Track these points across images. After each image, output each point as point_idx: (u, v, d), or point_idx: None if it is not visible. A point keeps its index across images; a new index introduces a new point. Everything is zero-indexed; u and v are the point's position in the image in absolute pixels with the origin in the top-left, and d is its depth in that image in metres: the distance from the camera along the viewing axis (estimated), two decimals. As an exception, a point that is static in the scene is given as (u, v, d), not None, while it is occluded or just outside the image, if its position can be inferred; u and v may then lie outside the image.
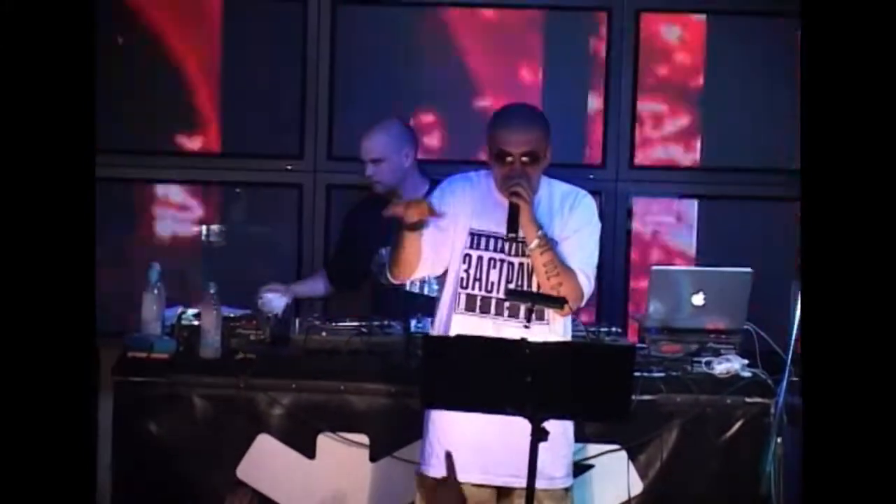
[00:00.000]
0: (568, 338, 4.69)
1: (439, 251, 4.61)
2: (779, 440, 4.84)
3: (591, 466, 5.02)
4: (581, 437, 4.88)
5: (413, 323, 5.21)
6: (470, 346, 4.19)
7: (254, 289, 5.59)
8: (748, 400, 5.06)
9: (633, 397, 4.74)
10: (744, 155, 6.50)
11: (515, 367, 4.07)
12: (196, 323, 5.20)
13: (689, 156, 6.53)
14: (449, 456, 4.21)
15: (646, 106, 6.49)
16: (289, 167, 6.50)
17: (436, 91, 6.47)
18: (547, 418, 4.07)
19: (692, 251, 6.52)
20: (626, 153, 6.50)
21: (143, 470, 5.03)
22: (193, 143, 6.47)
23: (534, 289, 4.58)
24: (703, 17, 6.49)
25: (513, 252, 4.61)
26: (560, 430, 4.54)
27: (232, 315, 5.29)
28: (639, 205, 6.53)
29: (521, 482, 4.20)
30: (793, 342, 4.73)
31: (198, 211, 6.52)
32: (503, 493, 4.62)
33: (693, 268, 5.70)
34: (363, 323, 5.29)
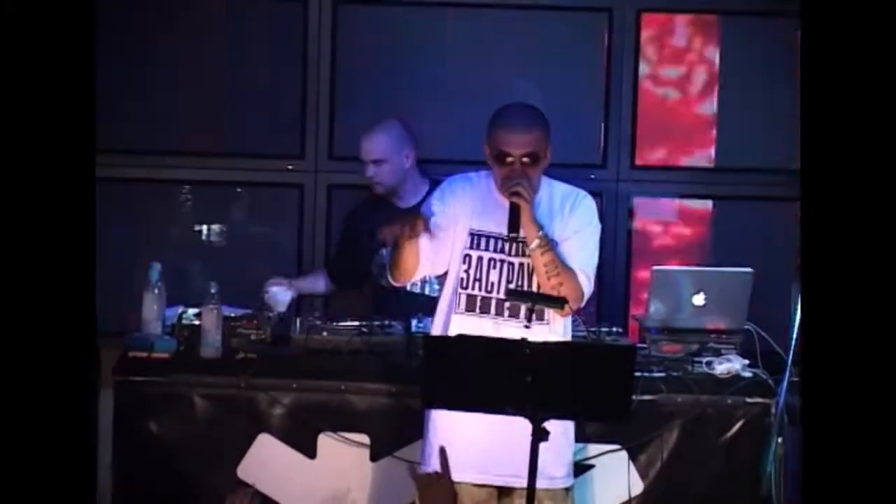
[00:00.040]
0: (568, 338, 4.69)
1: (439, 252, 4.61)
2: (779, 440, 4.84)
3: (591, 466, 5.02)
4: (581, 436, 4.88)
5: (414, 323, 5.21)
6: (470, 345, 4.19)
7: (254, 289, 5.58)
8: (749, 400, 5.06)
9: (634, 397, 4.74)
10: (744, 155, 6.50)
11: (516, 367, 4.07)
12: (197, 322, 5.20)
13: (691, 156, 6.54)
14: (443, 451, 4.21)
15: (647, 104, 6.49)
16: (290, 167, 6.50)
17: (436, 91, 6.47)
18: (547, 418, 4.07)
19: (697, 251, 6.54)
20: (627, 153, 6.50)
21: (143, 469, 5.03)
22: (194, 143, 6.47)
23: (534, 289, 4.58)
24: (703, 16, 6.49)
25: (513, 252, 4.61)
26: (560, 430, 4.54)
27: (233, 315, 5.29)
28: (639, 204, 6.54)
29: (522, 482, 4.21)
30: (794, 342, 4.73)
31: (199, 211, 6.52)
32: (504, 493, 4.63)
33: (694, 268, 5.69)
34: (364, 323, 5.29)
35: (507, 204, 4.53)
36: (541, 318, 4.58)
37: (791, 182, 5.14)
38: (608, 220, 6.29)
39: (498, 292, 4.60)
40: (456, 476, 4.58)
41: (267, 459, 5.04)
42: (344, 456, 5.03)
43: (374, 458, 5.03)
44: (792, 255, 5.71)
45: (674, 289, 5.21)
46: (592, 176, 6.38)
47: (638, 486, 5.05)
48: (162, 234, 6.49)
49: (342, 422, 5.04)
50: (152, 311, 5.20)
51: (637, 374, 4.81)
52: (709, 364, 5.14)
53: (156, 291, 5.20)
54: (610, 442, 5.03)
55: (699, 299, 5.19)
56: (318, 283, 5.92)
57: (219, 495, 4.95)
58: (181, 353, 5.15)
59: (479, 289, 4.62)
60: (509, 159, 4.54)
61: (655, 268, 5.33)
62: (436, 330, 4.68)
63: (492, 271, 4.62)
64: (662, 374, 5.10)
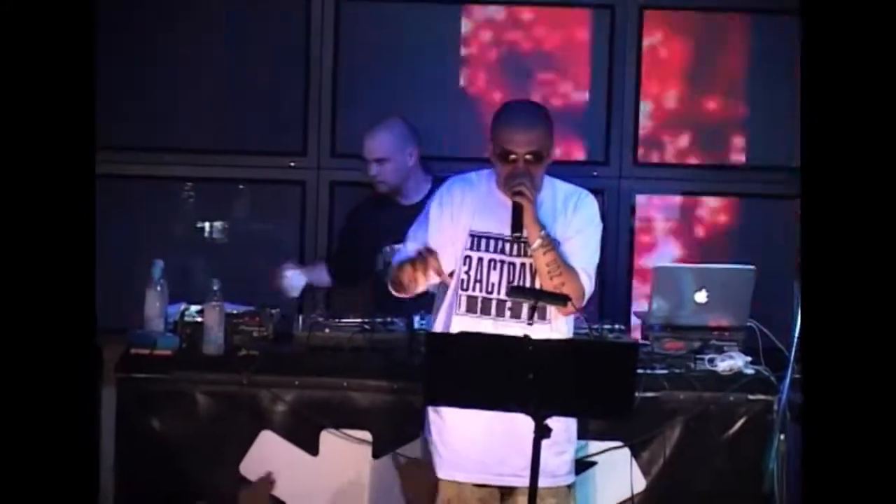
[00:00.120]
0: (570, 336, 4.69)
1: (442, 261, 4.56)
2: (782, 437, 4.85)
3: (593, 463, 5.02)
4: (584, 434, 4.88)
5: (416, 320, 5.21)
6: (473, 342, 4.19)
7: (256, 286, 5.59)
8: (751, 397, 5.05)
9: (636, 394, 4.73)
10: (745, 152, 6.50)
11: (518, 364, 4.07)
12: (199, 319, 5.20)
13: (693, 154, 6.54)
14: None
15: (649, 103, 6.49)
16: (292, 164, 6.50)
17: (439, 88, 6.46)
18: (550, 415, 4.08)
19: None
20: (630, 150, 6.50)
21: (145, 466, 5.03)
22: (197, 140, 6.47)
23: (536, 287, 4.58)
24: (702, 13, 6.49)
25: (513, 252, 4.60)
26: (563, 427, 4.54)
27: (235, 312, 5.29)
28: (642, 201, 6.55)
29: (523, 481, 4.21)
30: (796, 339, 4.73)
31: (201, 208, 6.52)
32: (506, 492, 4.62)
33: (696, 265, 5.69)
34: (366, 320, 5.29)
35: (508, 203, 4.52)
36: (543, 316, 4.57)
37: (791, 179, 5.15)
38: (611, 218, 6.30)
39: (498, 293, 4.59)
40: (457, 476, 4.60)
41: (269, 456, 5.04)
42: (346, 453, 5.03)
43: (376, 455, 5.03)
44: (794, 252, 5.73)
45: (676, 286, 5.21)
46: (595, 173, 6.37)
47: (640, 484, 5.04)
48: (165, 232, 6.48)
49: (344, 419, 5.04)
50: (155, 307, 5.19)
51: (639, 371, 4.80)
52: (711, 361, 5.14)
53: (158, 288, 5.20)
54: (612, 439, 5.02)
55: (701, 296, 5.19)
56: (322, 276, 5.93)
57: (220, 493, 4.96)
58: (183, 350, 5.15)
59: (480, 290, 4.61)
60: (513, 157, 4.53)
61: (658, 265, 5.33)
62: (437, 331, 4.67)
63: (492, 272, 4.61)
64: (665, 371, 5.09)
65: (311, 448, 5.04)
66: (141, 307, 5.21)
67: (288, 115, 6.48)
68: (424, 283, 4.54)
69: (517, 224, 4.50)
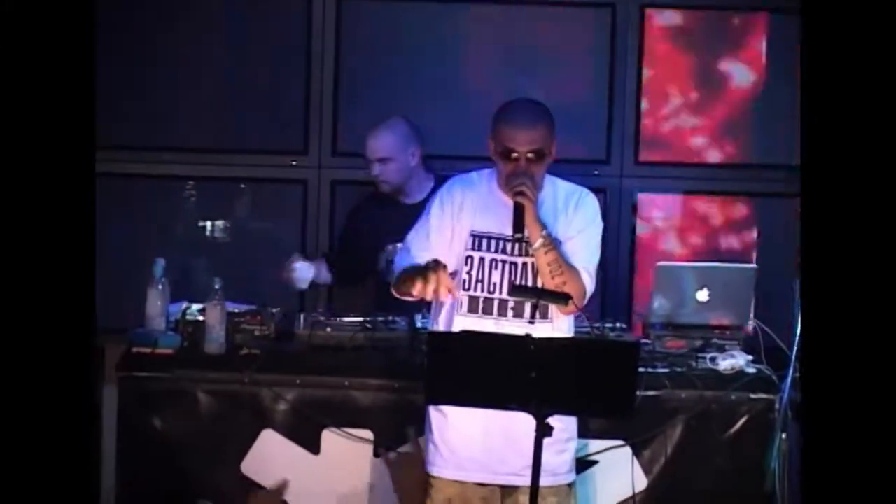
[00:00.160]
0: (571, 335, 4.68)
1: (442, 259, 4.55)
2: (783, 436, 4.84)
3: (594, 462, 5.02)
4: (585, 432, 4.87)
5: (418, 318, 5.21)
6: (474, 341, 4.19)
7: (258, 285, 5.59)
8: (753, 396, 5.05)
9: (638, 393, 4.73)
10: (746, 151, 6.50)
11: (520, 363, 4.07)
12: (200, 318, 5.20)
13: (694, 152, 6.54)
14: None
15: (650, 102, 6.49)
16: (293, 163, 6.50)
17: (440, 87, 6.46)
18: (551, 414, 4.08)
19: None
20: (631, 149, 6.50)
21: (147, 465, 5.03)
22: (198, 139, 6.47)
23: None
24: (702, 12, 6.49)
25: (514, 252, 4.60)
26: (562, 425, 4.54)
27: (236, 310, 5.29)
28: (643, 200, 6.55)
29: (524, 480, 4.21)
30: (797, 338, 4.73)
31: (202, 207, 6.52)
32: (507, 491, 4.62)
33: (697, 263, 5.68)
34: (367, 319, 5.29)
35: (509, 203, 4.52)
36: (544, 315, 4.57)
37: (792, 178, 5.15)
38: (612, 216, 6.30)
39: (500, 293, 4.59)
40: (459, 476, 4.59)
41: (270, 455, 5.04)
42: (347, 452, 5.03)
43: (377, 454, 5.03)
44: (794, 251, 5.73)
45: (677, 284, 5.21)
46: (596, 172, 6.37)
47: (641, 482, 5.04)
48: (166, 231, 6.48)
49: (346, 418, 5.04)
50: (156, 306, 5.19)
51: (641, 369, 4.79)
52: (713, 360, 5.13)
53: (159, 287, 5.20)
54: (613, 438, 5.02)
55: (703, 295, 5.18)
56: (323, 273, 5.93)
57: (224, 491, 4.96)
58: (185, 349, 5.15)
59: (481, 290, 4.61)
60: (514, 155, 4.53)
61: (659, 263, 5.32)
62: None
63: (493, 272, 4.61)
64: (666, 370, 5.09)
65: (313, 447, 5.04)
66: (142, 306, 5.21)
67: (289, 114, 6.48)
68: (434, 299, 4.52)
69: (519, 224, 4.49)
